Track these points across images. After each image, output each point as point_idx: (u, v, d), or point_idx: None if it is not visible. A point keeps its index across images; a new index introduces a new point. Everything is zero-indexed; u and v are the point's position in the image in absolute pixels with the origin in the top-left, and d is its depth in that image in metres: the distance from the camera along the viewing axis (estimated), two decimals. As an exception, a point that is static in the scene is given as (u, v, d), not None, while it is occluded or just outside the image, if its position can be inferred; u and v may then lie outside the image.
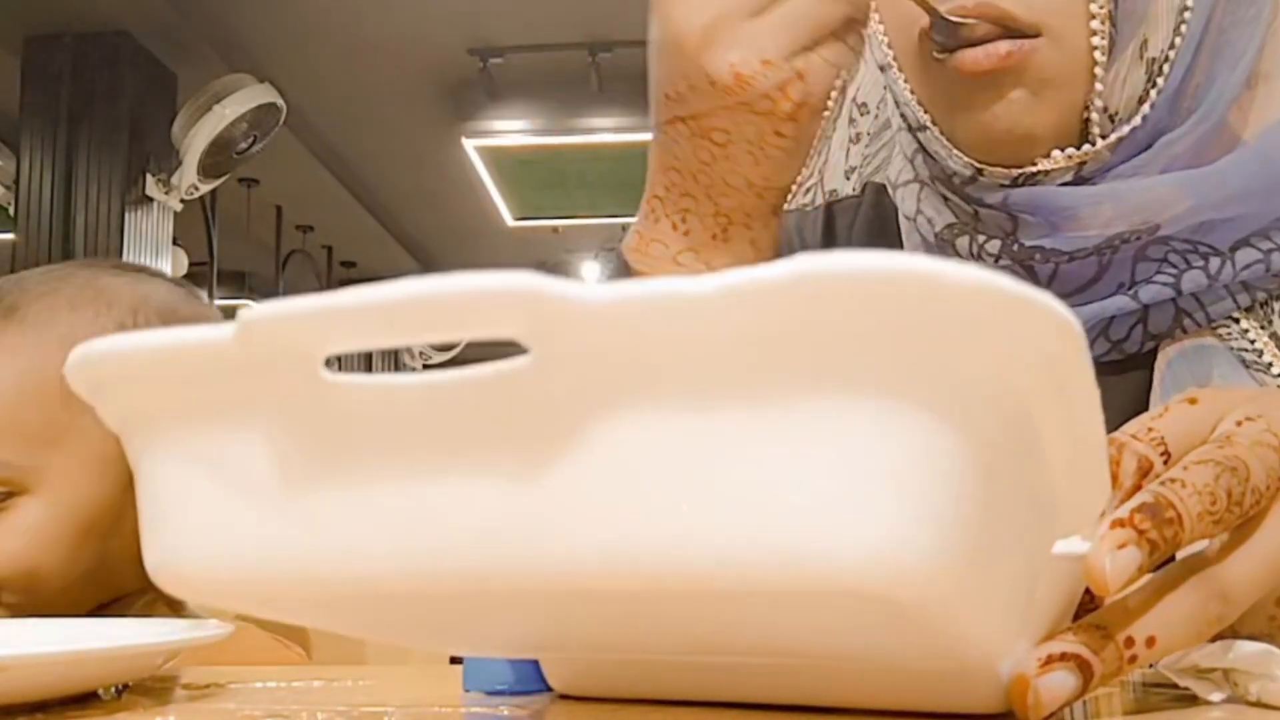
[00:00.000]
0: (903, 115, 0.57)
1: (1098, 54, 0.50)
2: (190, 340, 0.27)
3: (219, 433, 0.27)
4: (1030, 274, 0.54)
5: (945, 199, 0.56)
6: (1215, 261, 0.52)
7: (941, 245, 0.56)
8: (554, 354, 0.24)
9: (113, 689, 0.39)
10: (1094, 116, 0.51)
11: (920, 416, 0.22)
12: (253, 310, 0.25)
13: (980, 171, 0.53)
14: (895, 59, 0.56)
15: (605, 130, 4.68)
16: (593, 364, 0.24)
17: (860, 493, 0.22)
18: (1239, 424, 0.33)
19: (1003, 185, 0.53)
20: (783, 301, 0.22)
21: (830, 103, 0.72)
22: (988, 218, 0.54)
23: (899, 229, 0.63)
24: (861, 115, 0.71)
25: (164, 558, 0.29)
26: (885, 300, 0.22)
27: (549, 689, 0.37)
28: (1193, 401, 0.34)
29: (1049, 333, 0.24)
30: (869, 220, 0.66)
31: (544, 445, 0.24)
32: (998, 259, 0.54)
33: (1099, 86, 0.51)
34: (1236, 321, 0.52)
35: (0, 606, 0.66)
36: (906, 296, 0.22)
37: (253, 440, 0.27)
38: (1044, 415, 0.25)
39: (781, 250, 0.68)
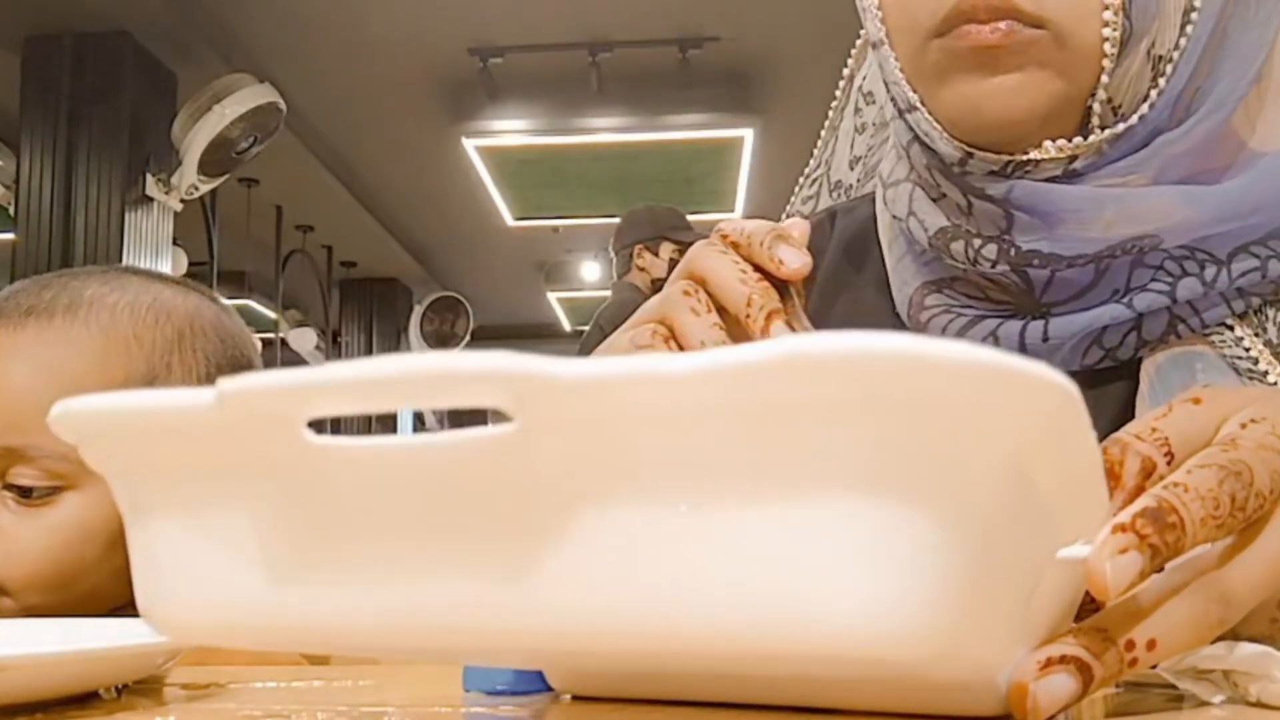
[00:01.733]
0: (893, 99, 0.56)
1: (1108, 46, 0.50)
2: (172, 403, 0.27)
3: (203, 490, 0.28)
4: (1026, 280, 0.53)
5: (938, 199, 0.56)
6: (1212, 269, 0.51)
7: (935, 250, 0.56)
8: (538, 425, 0.24)
9: (113, 689, 0.39)
10: (1096, 108, 0.51)
11: (909, 490, 0.22)
12: (232, 381, 0.25)
13: (970, 155, 0.53)
14: (888, 35, 0.55)
15: (605, 130, 4.68)
16: (577, 436, 0.24)
17: (852, 565, 0.22)
18: (1243, 426, 0.33)
19: (993, 172, 0.52)
20: (766, 382, 0.22)
21: (838, 92, 0.72)
22: (981, 212, 0.53)
23: (876, 244, 0.63)
24: (867, 104, 0.70)
25: (151, 600, 0.29)
26: (872, 379, 0.22)
27: (549, 689, 0.37)
28: (1197, 401, 0.34)
29: (1045, 402, 0.24)
30: (840, 245, 0.66)
31: (530, 513, 0.24)
32: (994, 264, 0.53)
33: (1105, 79, 0.50)
34: (1230, 328, 0.52)
35: (20, 607, 0.66)
36: (894, 375, 0.22)
37: (236, 498, 0.27)
38: (1042, 474, 0.25)
39: None
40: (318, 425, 0.26)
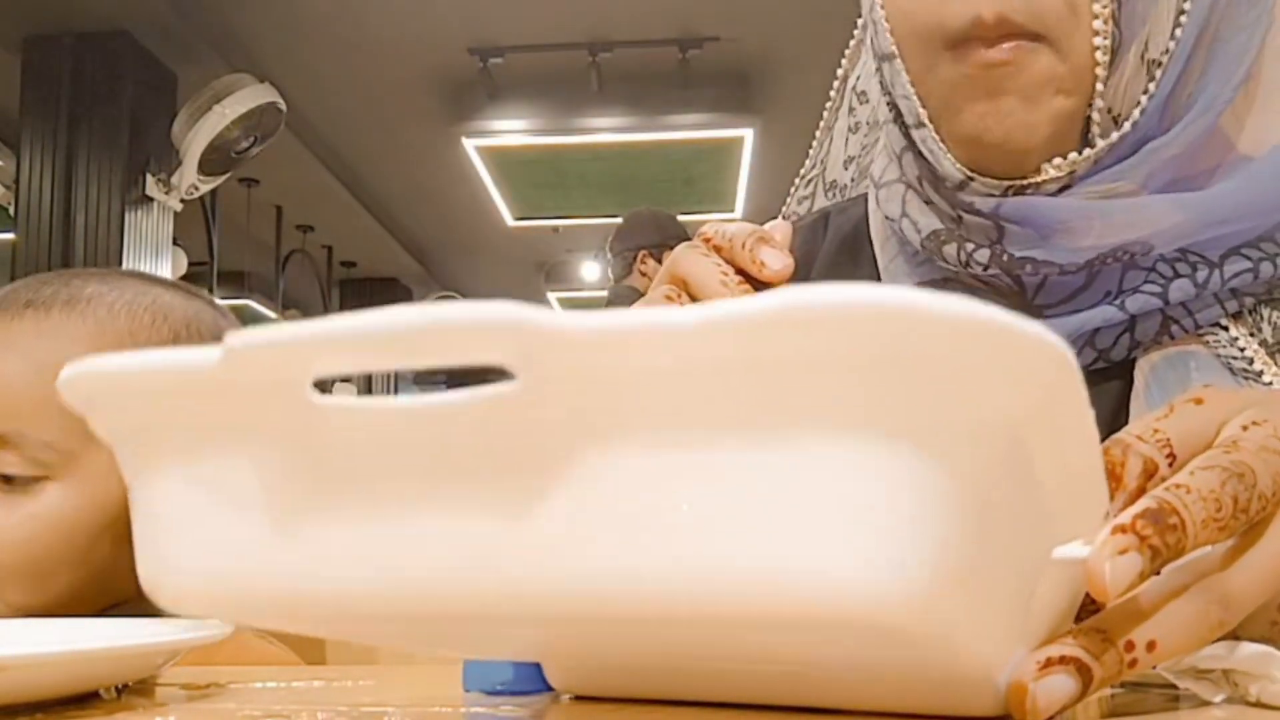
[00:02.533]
0: (897, 109, 0.56)
1: (1099, 54, 0.50)
2: (178, 362, 0.27)
3: (209, 452, 0.28)
4: (1018, 284, 0.53)
5: (929, 203, 0.56)
6: (1204, 271, 0.51)
7: (928, 251, 0.56)
8: (541, 381, 0.24)
9: (113, 689, 0.39)
10: (1096, 117, 0.51)
11: (908, 446, 0.22)
12: (239, 335, 0.25)
13: (970, 179, 0.53)
14: (898, 49, 0.55)
15: (605, 130, 4.68)
16: (579, 392, 0.24)
17: (849, 522, 0.22)
18: (1245, 428, 0.33)
19: (991, 194, 0.53)
20: (767, 334, 0.22)
21: (832, 92, 0.72)
22: (972, 225, 0.54)
23: (868, 244, 0.62)
24: (861, 104, 0.70)
25: (155, 571, 0.29)
26: (872, 333, 0.22)
27: (549, 689, 0.37)
28: (1198, 402, 0.34)
29: (1042, 363, 0.24)
30: (834, 244, 0.66)
31: (531, 470, 0.24)
32: (986, 268, 0.53)
33: (1100, 87, 0.50)
34: (1225, 329, 0.52)
35: (2, 604, 0.66)
36: (894, 329, 0.22)
37: (242, 460, 0.27)
38: (1039, 440, 0.25)
39: None
40: (322, 385, 0.26)
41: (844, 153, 0.72)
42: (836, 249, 0.66)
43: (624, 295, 2.93)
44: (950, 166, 0.53)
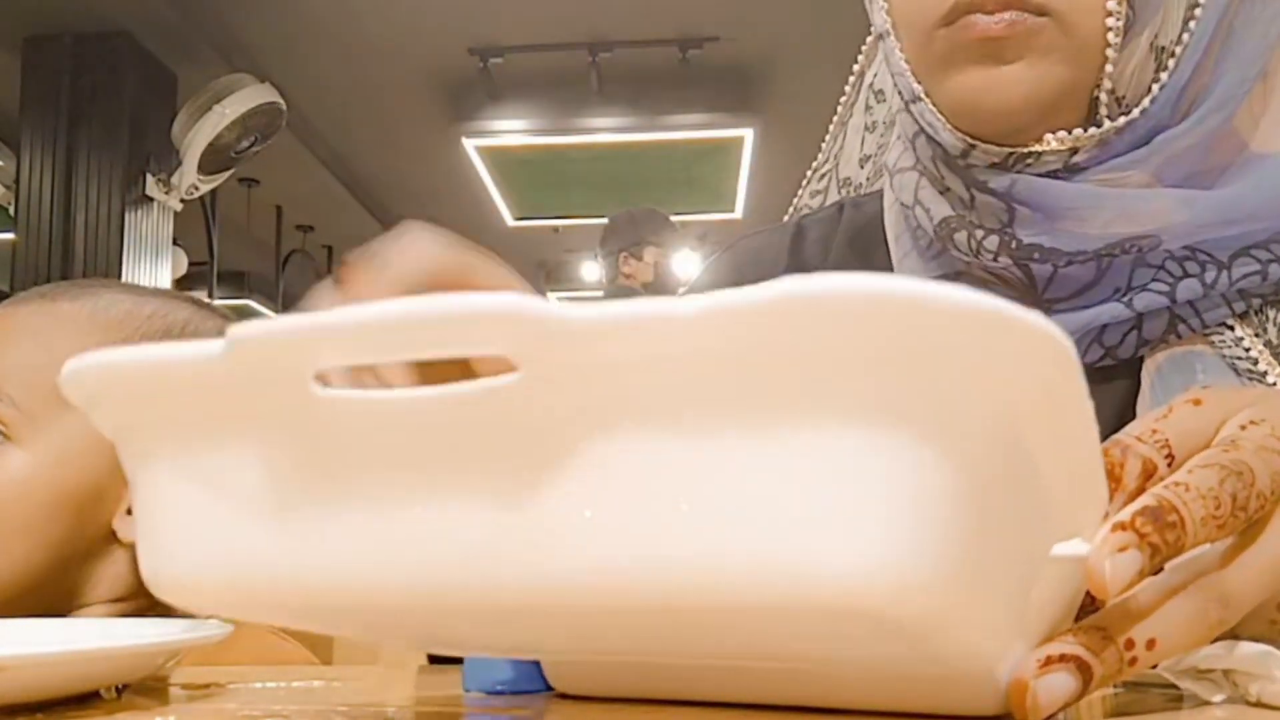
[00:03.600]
0: (898, 90, 0.57)
1: (1111, 35, 0.50)
2: (180, 355, 0.27)
3: (212, 445, 0.28)
4: (1028, 274, 0.54)
5: (943, 190, 0.56)
6: (1212, 271, 0.51)
7: (940, 238, 0.56)
8: (541, 372, 0.24)
9: (113, 689, 0.39)
10: (1102, 98, 0.51)
11: (909, 437, 0.22)
12: (242, 327, 0.25)
13: (972, 146, 0.53)
14: (894, 26, 0.55)
15: (605, 130, 4.68)
16: (580, 383, 0.24)
17: (849, 512, 0.22)
18: (1244, 427, 0.33)
19: (995, 165, 0.53)
20: (768, 324, 0.22)
21: (847, 87, 0.72)
22: (984, 205, 0.54)
23: (883, 237, 0.63)
24: (878, 102, 0.70)
25: (158, 565, 0.29)
26: (873, 322, 0.22)
27: (549, 689, 0.37)
28: (1197, 402, 0.34)
29: (1042, 354, 0.24)
30: (849, 233, 0.66)
31: (533, 462, 0.24)
32: (996, 256, 0.53)
33: (1109, 68, 0.50)
34: (1231, 329, 0.52)
35: None
36: (895, 318, 0.22)
37: (245, 452, 0.27)
38: (1038, 433, 0.25)
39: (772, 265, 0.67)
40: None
41: (859, 151, 0.72)
42: (847, 245, 0.66)
43: (620, 293, 2.95)
44: (950, 136, 0.53)
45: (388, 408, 0.25)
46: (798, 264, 0.67)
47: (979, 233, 0.54)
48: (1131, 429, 0.33)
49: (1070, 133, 0.51)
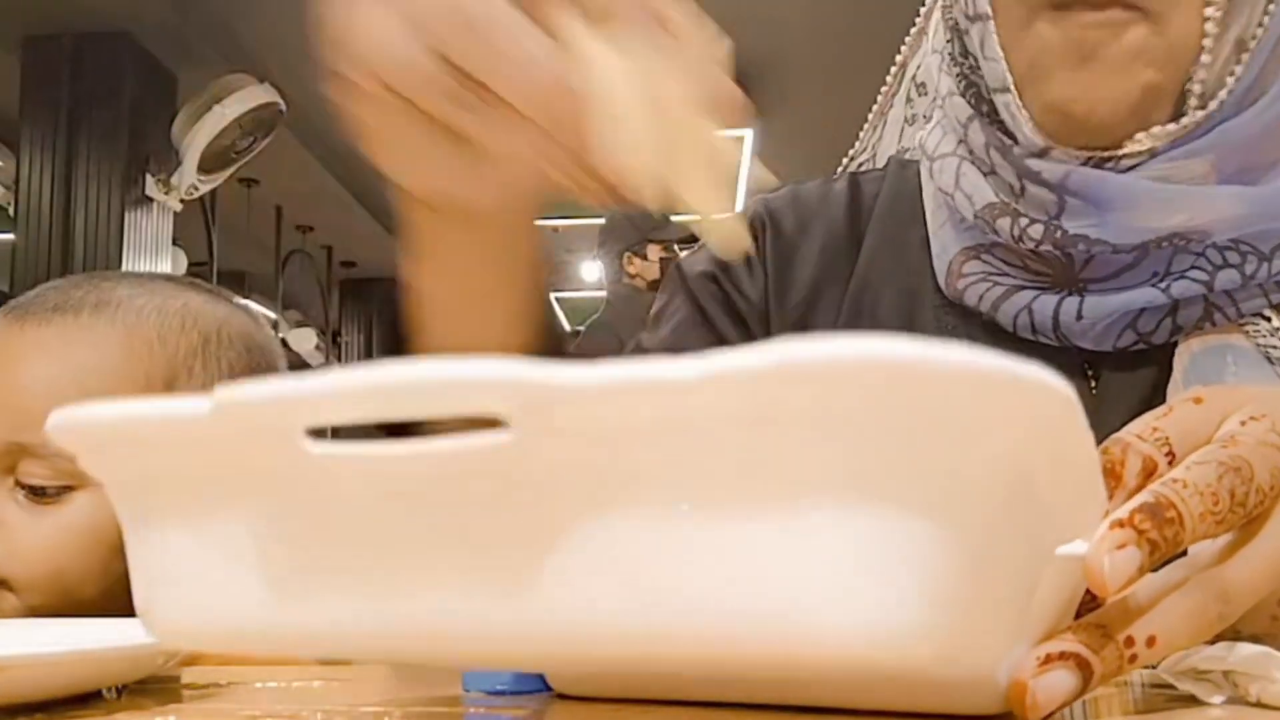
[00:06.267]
0: (967, 80, 0.56)
1: (1209, 26, 0.49)
2: (167, 413, 0.27)
3: (201, 498, 0.28)
4: (1068, 259, 0.54)
5: (989, 174, 0.56)
6: (1253, 263, 0.51)
7: (980, 225, 0.56)
8: (536, 433, 0.24)
9: (113, 689, 0.39)
10: (1193, 101, 0.51)
11: (915, 498, 0.22)
12: (229, 391, 0.25)
13: (1050, 148, 0.52)
14: (993, 10, 0.54)
15: (605, 130, 4.67)
16: (576, 445, 0.24)
17: (848, 574, 0.22)
18: (1243, 424, 0.33)
19: (1062, 163, 0.52)
20: (768, 387, 0.22)
21: (889, 78, 0.72)
22: (1033, 196, 0.53)
23: (921, 206, 0.62)
24: (920, 95, 0.70)
25: (148, 604, 0.29)
26: (873, 385, 0.22)
27: (549, 689, 0.37)
28: (1198, 401, 0.34)
29: (1046, 406, 0.24)
30: (890, 196, 0.65)
31: (528, 522, 0.24)
32: (1039, 244, 0.53)
33: (1205, 58, 0.50)
34: (1268, 319, 0.52)
35: (25, 607, 0.65)
36: (897, 381, 0.22)
37: (235, 506, 0.27)
38: (1041, 471, 0.25)
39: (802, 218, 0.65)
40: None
41: (898, 143, 0.71)
42: (891, 201, 0.65)
43: (624, 296, 2.94)
44: (1031, 133, 0.53)
45: (380, 464, 0.25)
46: (855, 211, 0.66)
47: (1023, 220, 0.54)
48: (1132, 427, 0.33)
49: (1150, 132, 0.51)
